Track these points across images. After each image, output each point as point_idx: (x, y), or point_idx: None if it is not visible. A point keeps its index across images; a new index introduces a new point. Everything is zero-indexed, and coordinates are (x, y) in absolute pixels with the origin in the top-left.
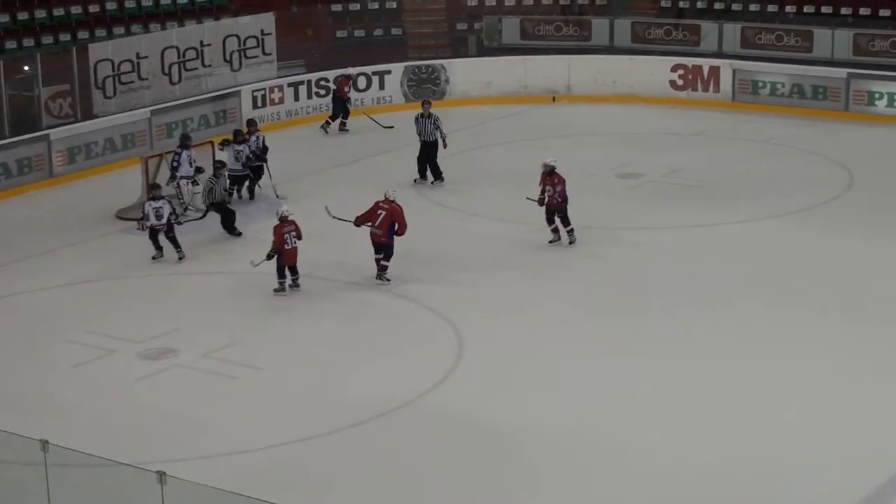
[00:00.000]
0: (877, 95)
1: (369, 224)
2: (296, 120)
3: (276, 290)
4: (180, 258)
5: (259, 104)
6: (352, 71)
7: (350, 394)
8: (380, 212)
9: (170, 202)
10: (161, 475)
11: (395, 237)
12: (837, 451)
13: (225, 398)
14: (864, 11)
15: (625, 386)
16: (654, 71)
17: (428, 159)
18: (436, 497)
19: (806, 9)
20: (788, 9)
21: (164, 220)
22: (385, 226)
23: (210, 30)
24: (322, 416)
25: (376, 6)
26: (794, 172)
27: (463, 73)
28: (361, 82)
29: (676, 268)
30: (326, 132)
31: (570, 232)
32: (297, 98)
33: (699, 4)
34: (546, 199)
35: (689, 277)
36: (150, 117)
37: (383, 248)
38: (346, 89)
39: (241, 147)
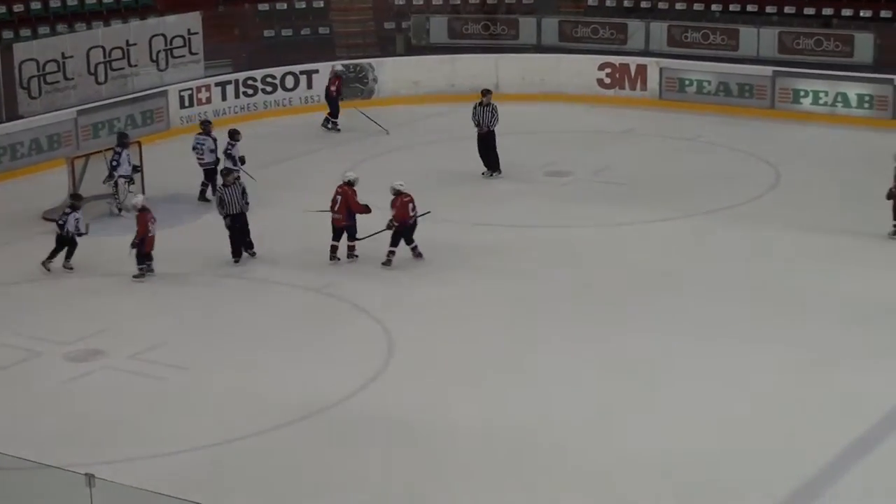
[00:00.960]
0: (802, 93)
1: (332, 209)
2: (223, 119)
3: (136, 277)
4: (69, 268)
5: (186, 104)
6: (339, 68)
7: (278, 395)
8: (337, 196)
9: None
10: (90, 478)
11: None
12: (768, 443)
13: (153, 400)
14: (788, 10)
15: (554, 384)
16: (582, 69)
17: (488, 150)
18: (365, 498)
19: (732, 7)
20: (714, 7)
21: (78, 232)
22: (343, 209)
23: (136, 29)
24: (250, 417)
25: (303, 5)
26: (721, 170)
27: (391, 72)
28: (289, 81)
29: (604, 265)
30: (328, 129)
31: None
32: (224, 98)
33: (626, 3)
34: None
35: (618, 275)
36: (76, 118)
37: (345, 230)
38: (333, 88)
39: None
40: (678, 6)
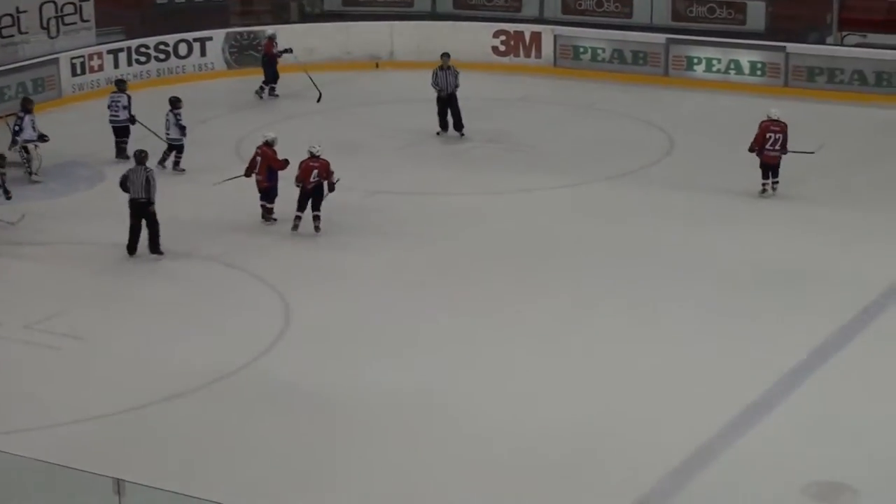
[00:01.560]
0: (695, 61)
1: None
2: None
3: None
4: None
5: (78, 72)
6: (270, 31)
7: (176, 363)
8: (256, 158)
9: None
10: None
11: (283, 177)
12: (669, 408)
13: (48, 370)
14: None
15: (455, 350)
16: (477, 37)
17: (451, 111)
18: (265, 467)
19: None
20: None
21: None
22: (263, 170)
23: None
24: (148, 386)
25: None
26: (617, 137)
27: (285, 39)
28: (182, 49)
29: (505, 233)
30: (261, 97)
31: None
32: (116, 65)
33: None
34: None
35: (518, 241)
36: None
37: (267, 193)
38: (274, 51)
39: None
40: None
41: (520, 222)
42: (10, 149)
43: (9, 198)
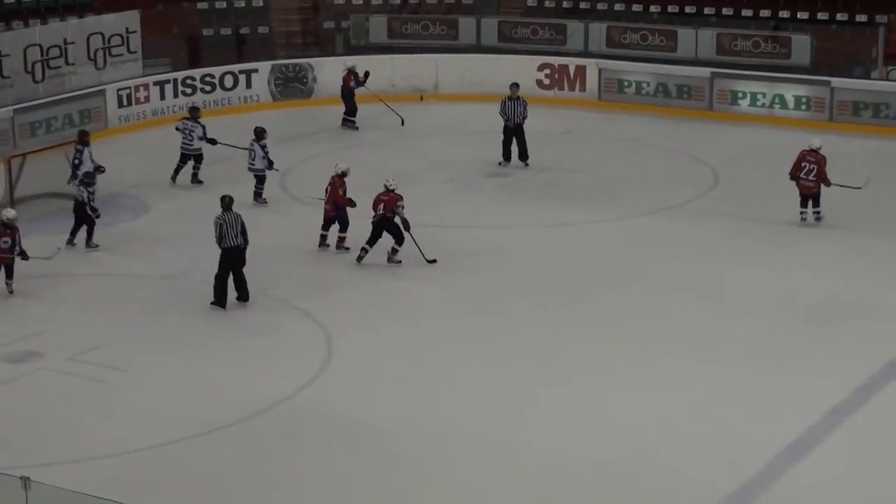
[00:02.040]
0: (740, 95)
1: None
2: (162, 119)
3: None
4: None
5: (125, 103)
6: (352, 63)
7: (219, 395)
8: (328, 187)
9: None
10: (25, 480)
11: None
12: (707, 445)
13: (92, 401)
14: (727, 11)
15: (495, 385)
16: (521, 70)
17: (518, 141)
18: (310, 497)
19: (670, 8)
20: (653, 8)
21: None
22: (331, 200)
23: (74, 27)
24: (191, 417)
25: (243, 4)
26: (660, 171)
27: (330, 72)
28: (228, 81)
29: (546, 266)
30: (355, 128)
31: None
32: (163, 97)
33: (565, 4)
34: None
35: (560, 275)
36: (12, 116)
37: (334, 221)
38: (352, 84)
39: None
40: (617, 7)
41: (565, 255)
42: (68, 182)
43: (97, 216)
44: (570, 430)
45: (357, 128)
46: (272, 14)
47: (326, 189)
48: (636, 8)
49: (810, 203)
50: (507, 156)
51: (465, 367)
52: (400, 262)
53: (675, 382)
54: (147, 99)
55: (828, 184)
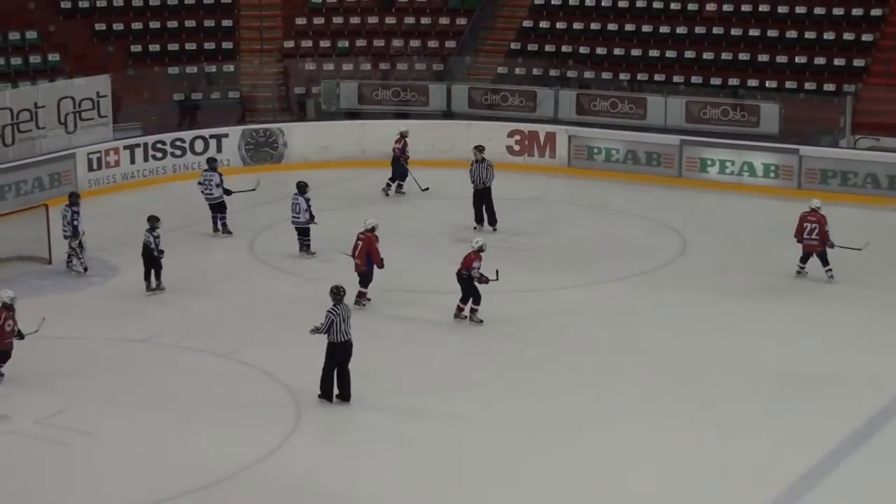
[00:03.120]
0: (709, 162)
1: (352, 255)
2: (132, 183)
3: None
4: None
5: (95, 167)
6: (403, 128)
7: (186, 460)
8: (358, 242)
9: None
10: None
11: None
12: None
13: (57, 465)
14: (696, 80)
15: (463, 452)
16: (491, 136)
17: (486, 206)
18: None
19: (639, 76)
20: (622, 76)
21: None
22: (362, 255)
23: (45, 91)
24: (158, 482)
25: (213, 69)
26: (630, 238)
27: (301, 137)
28: (199, 145)
29: (514, 330)
30: (387, 195)
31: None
32: (133, 161)
33: (535, 71)
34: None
35: (527, 340)
36: None
37: (362, 277)
38: (398, 146)
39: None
40: (587, 75)
41: (530, 322)
42: (70, 244)
43: (86, 269)
44: (543, 497)
45: (404, 192)
46: (242, 79)
47: (356, 245)
48: (606, 76)
49: (820, 264)
50: (479, 219)
51: (434, 434)
52: (482, 321)
53: (645, 449)
54: (117, 163)
55: (831, 245)
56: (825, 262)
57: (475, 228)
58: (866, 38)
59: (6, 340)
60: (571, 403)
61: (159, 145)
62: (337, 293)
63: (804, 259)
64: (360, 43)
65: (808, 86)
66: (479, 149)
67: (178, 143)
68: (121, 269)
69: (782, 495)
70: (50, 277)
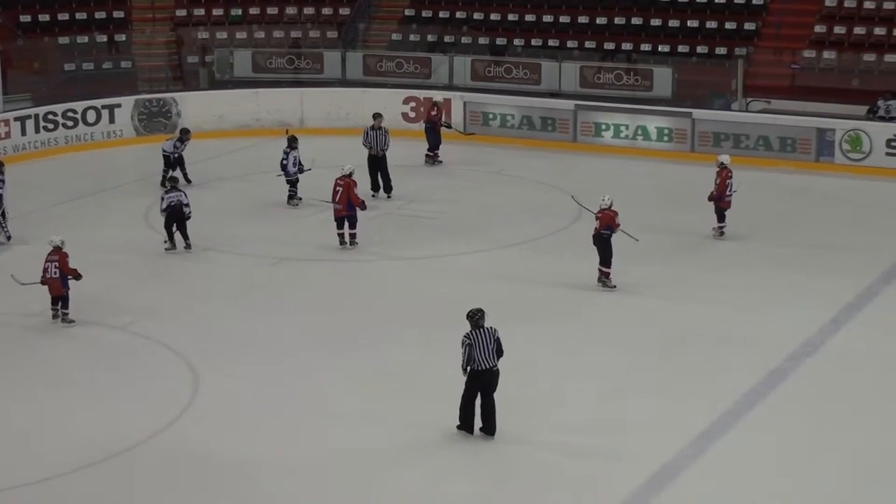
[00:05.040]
0: (603, 126)
1: (333, 201)
2: (24, 155)
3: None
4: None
5: None
6: (440, 98)
7: (84, 434)
8: (337, 188)
9: None
10: None
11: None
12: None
13: None
14: (589, 45)
15: (364, 418)
16: (387, 103)
17: (381, 172)
18: None
19: (534, 42)
20: (517, 42)
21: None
22: (343, 200)
23: None
24: (54, 457)
25: (105, 39)
26: (526, 202)
27: (194, 106)
28: (91, 116)
29: (413, 299)
30: (432, 164)
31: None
32: (24, 132)
33: (429, 38)
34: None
35: (427, 306)
36: None
37: (346, 220)
38: (433, 116)
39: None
40: (481, 41)
41: (428, 288)
42: None
43: (9, 238)
44: (442, 461)
45: (441, 161)
46: (135, 48)
47: (336, 191)
48: (500, 41)
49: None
50: (375, 186)
51: (331, 399)
52: (615, 286)
53: (533, 412)
54: (7, 135)
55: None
56: (721, 217)
57: (373, 196)
58: (757, 1)
59: (56, 285)
60: None
61: (50, 116)
62: (473, 317)
63: (722, 217)
64: (254, 10)
65: (700, 49)
66: (378, 116)
67: (69, 113)
68: (14, 242)
69: (681, 454)
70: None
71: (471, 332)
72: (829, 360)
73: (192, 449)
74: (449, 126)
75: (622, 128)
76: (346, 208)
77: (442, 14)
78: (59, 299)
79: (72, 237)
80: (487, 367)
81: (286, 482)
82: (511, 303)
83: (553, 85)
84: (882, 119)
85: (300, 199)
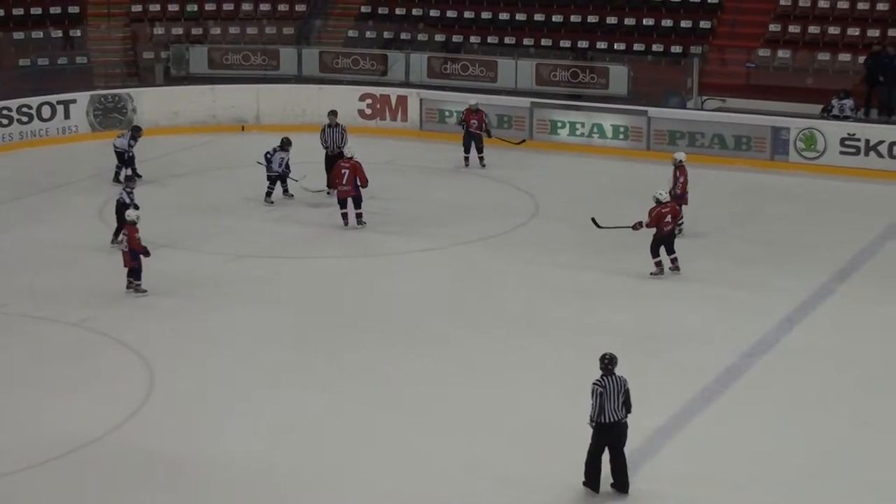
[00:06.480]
0: (559, 124)
1: (339, 183)
2: None
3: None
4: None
5: None
6: (473, 101)
7: (37, 431)
8: (343, 171)
9: None
10: None
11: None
12: (535, 474)
13: None
14: (545, 42)
15: (319, 415)
16: (343, 100)
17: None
18: None
19: (490, 39)
20: (473, 39)
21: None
22: (351, 181)
23: None
24: (8, 454)
25: (60, 34)
26: (482, 200)
27: (150, 102)
28: (46, 112)
29: (372, 296)
30: (483, 166)
31: None
32: None
33: (386, 34)
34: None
35: (384, 305)
36: None
37: (354, 200)
38: (474, 122)
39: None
40: (437, 38)
41: (387, 286)
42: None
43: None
44: (402, 461)
45: (485, 165)
46: (90, 44)
47: (342, 173)
48: (456, 38)
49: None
50: (331, 183)
51: (287, 397)
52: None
53: (503, 408)
54: None
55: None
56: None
57: (327, 193)
58: None
59: (126, 258)
60: (430, 364)
61: (5, 111)
62: (608, 362)
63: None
64: (210, 7)
65: (655, 48)
66: (334, 113)
67: (24, 109)
68: None
69: (636, 451)
70: None
71: (601, 378)
72: (784, 357)
73: (144, 447)
74: (489, 134)
75: (578, 125)
76: (354, 189)
77: (398, 11)
78: (131, 271)
79: (25, 233)
80: (615, 419)
81: (240, 482)
82: (466, 301)
83: (509, 82)
84: (836, 118)
85: (273, 202)
